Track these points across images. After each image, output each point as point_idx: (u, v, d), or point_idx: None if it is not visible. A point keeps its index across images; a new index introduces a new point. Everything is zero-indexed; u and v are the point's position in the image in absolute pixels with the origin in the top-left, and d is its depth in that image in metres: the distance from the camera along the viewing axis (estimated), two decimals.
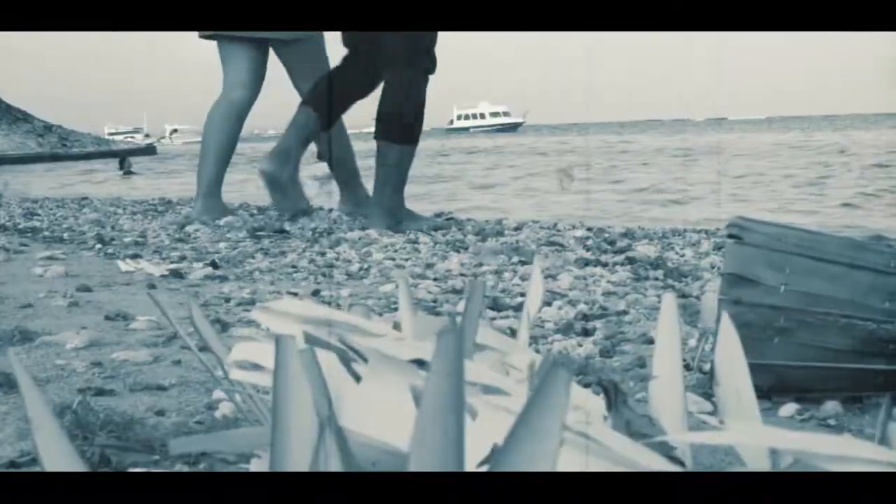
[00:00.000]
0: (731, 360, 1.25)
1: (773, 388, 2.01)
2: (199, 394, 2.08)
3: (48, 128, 46.13)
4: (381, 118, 4.93)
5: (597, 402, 1.28)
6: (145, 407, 1.95)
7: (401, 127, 4.92)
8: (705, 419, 1.04)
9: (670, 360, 1.27)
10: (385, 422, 0.90)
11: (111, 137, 73.21)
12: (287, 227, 7.00)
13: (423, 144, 7.23)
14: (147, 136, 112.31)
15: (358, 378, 0.94)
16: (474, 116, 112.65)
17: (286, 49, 5.11)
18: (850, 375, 1.97)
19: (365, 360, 0.96)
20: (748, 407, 1.24)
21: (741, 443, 0.88)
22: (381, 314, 3.26)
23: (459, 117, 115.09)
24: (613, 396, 1.24)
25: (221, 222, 6.20)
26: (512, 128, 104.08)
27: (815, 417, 1.94)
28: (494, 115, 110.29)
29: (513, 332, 2.87)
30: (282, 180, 5.59)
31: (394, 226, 5.04)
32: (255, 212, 9.18)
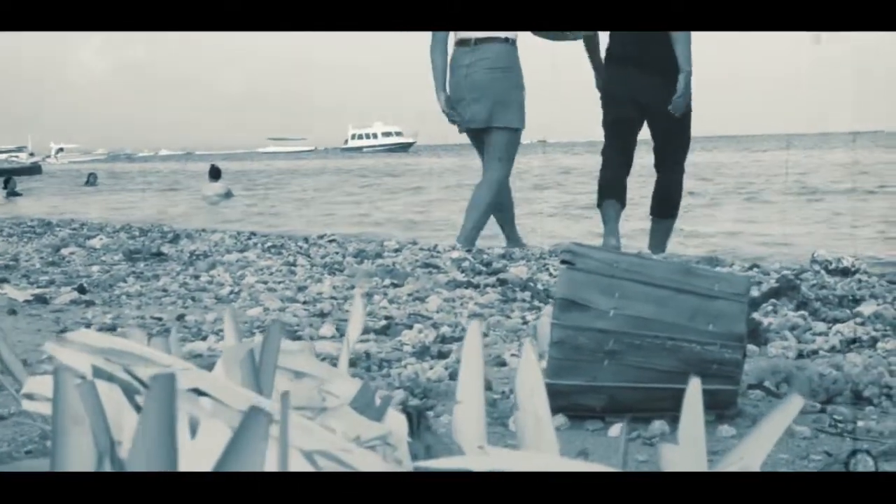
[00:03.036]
0: (531, 385, 1.30)
1: (605, 408, 2.08)
2: (37, 423, 2.06)
3: None
4: (664, 208, 6.15)
5: (403, 426, 1.32)
6: None
7: (677, 210, 6.17)
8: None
9: (473, 386, 1.32)
10: None
11: None
12: (164, 249, 6.94)
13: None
14: (32, 154, 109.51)
15: (140, 409, 0.96)
16: (368, 136, 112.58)
17: (491, 134, 5.92)
18: (677, 395, 2.04)
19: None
20: (546, 430, 1.29)
21: (473, 468, 0.93)
22: (245, 336, 3.26)
23: (354, 137, 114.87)
24: (416, 422, 1.28)
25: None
26: (404, 147, 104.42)
27: (642, 436, 2.01)
28: (387, 134, 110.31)
29: (368, 356, 2.91)
30: None
31: None
32: (136, 234, 9.09)
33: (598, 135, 6.21)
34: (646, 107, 5.92)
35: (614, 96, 5.95)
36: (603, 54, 6.22)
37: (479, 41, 5.82)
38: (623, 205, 6.02)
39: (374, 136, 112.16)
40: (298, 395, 1.45)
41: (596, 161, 6.20)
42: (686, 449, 1.13)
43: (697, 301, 2.05)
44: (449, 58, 6.12)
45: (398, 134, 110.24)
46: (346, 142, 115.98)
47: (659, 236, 6.19)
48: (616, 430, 2.03)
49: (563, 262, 2.08)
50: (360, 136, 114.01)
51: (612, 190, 5.97)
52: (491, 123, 5.84)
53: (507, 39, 5.86)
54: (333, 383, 1.46)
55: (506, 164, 5.91)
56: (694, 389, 1.19)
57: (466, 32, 5.81)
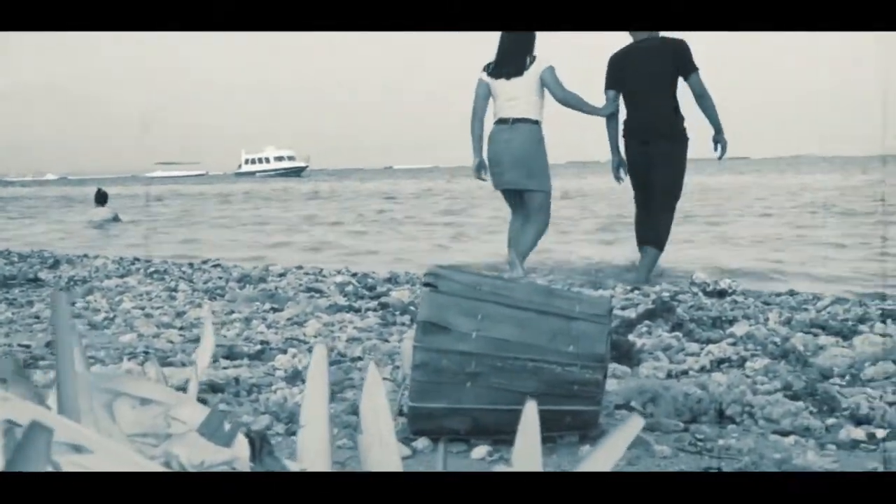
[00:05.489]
0: (375, 407, 1.30)
1: (469, 431, 2.08)
2: None
3: None
4: (651, 236, 6.88)
5: (246, 451, 1.30)
6: None
7: (662, 242, 6.91)
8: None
9: (318, 409, 1.31)
10: None
11: None
12: (42, 275, 6.78)
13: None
14: None
15: None
16: (260, 161, 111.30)
17: (529, 195, 7.05)
18: (540, 417, 2.06)
19: None
20: (390, 450, 1.29)
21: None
22: (113, 362, 3.20)
23: (247, 161, 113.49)
24: (258, 447, 1.27)
25: None
26: (296, 172, 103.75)
27: (504, 458, 2.02)
28: (279, 159, 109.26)
29: (237, 381, 2.87)
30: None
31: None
32: (15, 259, 8.85)
33: None
34: (652, 161, 6.77)
35: (637, 166, 6.86)
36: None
37: (515, 121, 6.96)
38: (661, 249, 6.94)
39: (267, 160, 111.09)
40: (143, 422, 1.42)
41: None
42: (519, 469, 1.14)
43: (558, 322, 2.07)
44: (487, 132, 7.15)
45: (290, 158, 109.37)
46: (240, 166, 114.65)
47: (644, 265, 6.90)
48: (480, 451, 2.03)
49: (425, 284, 2.08)
50: (253, 161, 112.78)
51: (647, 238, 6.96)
52: (528, 187, 7.06)
53: (536, 121, 6.99)
54: (181, 409, 1.44)
55: (545, 216, 7.20)
56: (530, 411, 1.20)
57: (505, 114, 6.95)
